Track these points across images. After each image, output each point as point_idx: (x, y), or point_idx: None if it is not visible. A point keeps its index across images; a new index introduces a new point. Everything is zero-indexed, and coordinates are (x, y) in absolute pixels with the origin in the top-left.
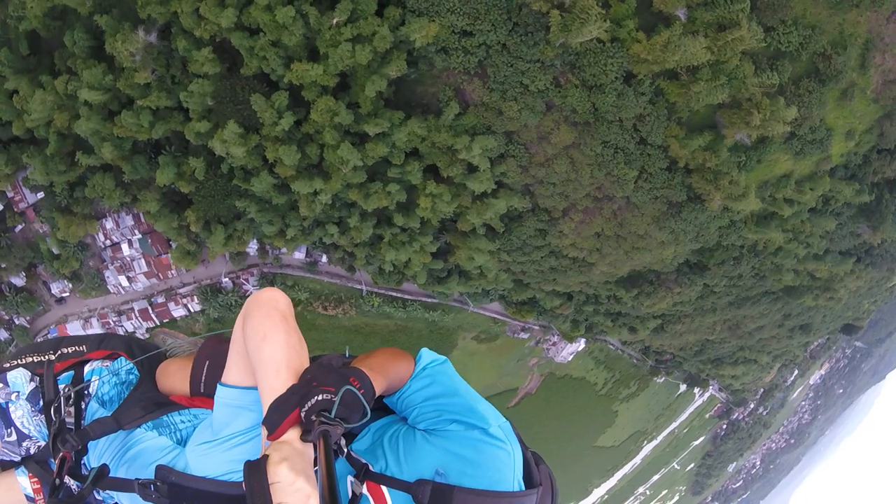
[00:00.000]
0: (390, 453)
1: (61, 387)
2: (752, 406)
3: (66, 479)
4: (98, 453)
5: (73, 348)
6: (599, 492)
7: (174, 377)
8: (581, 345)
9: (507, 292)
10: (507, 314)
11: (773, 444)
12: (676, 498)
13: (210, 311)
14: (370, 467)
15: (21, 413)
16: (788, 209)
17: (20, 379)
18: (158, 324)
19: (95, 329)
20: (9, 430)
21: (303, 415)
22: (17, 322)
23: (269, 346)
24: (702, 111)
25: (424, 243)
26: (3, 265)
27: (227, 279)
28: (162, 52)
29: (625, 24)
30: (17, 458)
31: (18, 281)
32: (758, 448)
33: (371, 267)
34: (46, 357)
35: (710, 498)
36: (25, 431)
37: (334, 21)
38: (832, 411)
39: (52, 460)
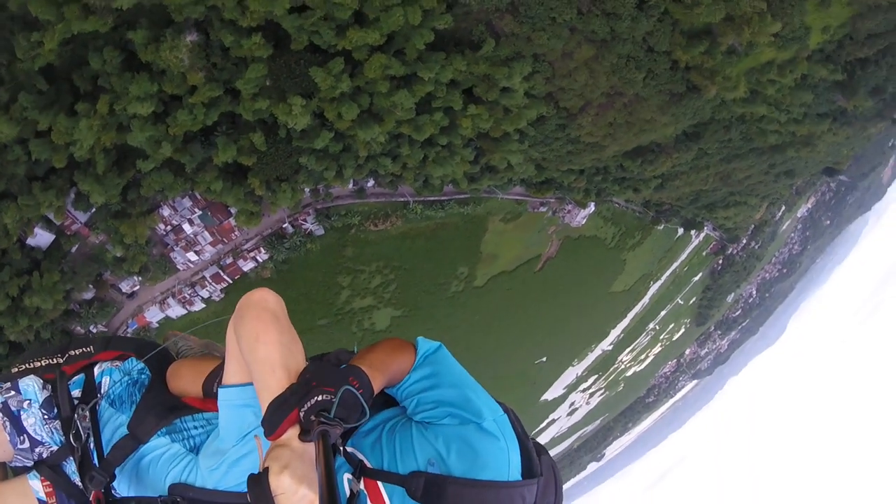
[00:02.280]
0: (387, 447)
1: (74, 392)
2: (744, 241)
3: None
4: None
5: (81, 350)
6: (616, 332)
7: (185, 378)
8: (591, 208)
9: (528, 177)
10: (528, 195)
11: (767, 275)
12: (682, 330)
13: (277, 255)
14: (366, 464)
15: (33, 420)
16: (771, 88)
17: (32, 387)
18: (231, 282)
19: (175, 309)
20: (21, 438)
21: (302, 415)
22: (94, 331)
23: (262, 346)
24: (700, 22)
25: (464, 155)
26: (71, 287)
27: (287, 224)
28: (200, 45)
29: None
30: (30, 464)
31: (88, 294)
32: (753, 279)
33: (416, 183)
34: (55, 360)
35: (712, 327)
36: (38, 438)
37: None
38: (821, 241)
39: (65, 461)
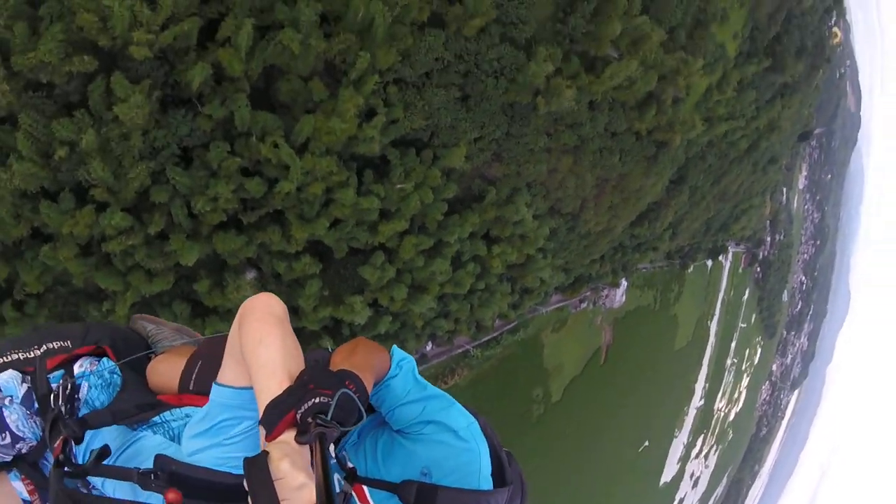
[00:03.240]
0: (370, 454)
1: (54, 385)
2: (769, 240)
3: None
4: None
5: (59, 343)
6: (699, 384)
7: (164, 376)
8: (624, 284)
9: (560, 283)
10: (566, 298)
11: (806, 255)
12: (759, 350)
13: None
14: (356, 470)
15: (16, 417)
16: (720, 108)
17: (12, 382)
18: None
19: None
20: (3, 434)
21: (299, 417)
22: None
23: (264, 349)
24: (641, 94)
25: (502, 289)
26: None
27: None
28: (258, 278)
29: (579, 76)
30: (9, 459)
31: None
32: (795, 267)
33: (470, 330)
34: (32, 352)
35: (784, 333)
36: (20, 434)
37: (397, 186)
38: (833, 195)
39: (49, 451)
